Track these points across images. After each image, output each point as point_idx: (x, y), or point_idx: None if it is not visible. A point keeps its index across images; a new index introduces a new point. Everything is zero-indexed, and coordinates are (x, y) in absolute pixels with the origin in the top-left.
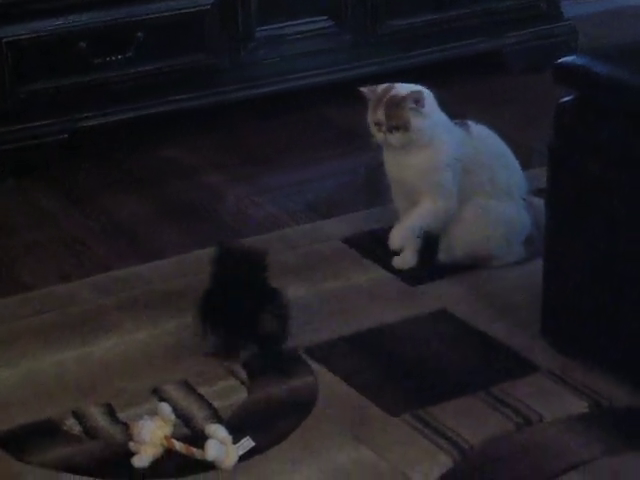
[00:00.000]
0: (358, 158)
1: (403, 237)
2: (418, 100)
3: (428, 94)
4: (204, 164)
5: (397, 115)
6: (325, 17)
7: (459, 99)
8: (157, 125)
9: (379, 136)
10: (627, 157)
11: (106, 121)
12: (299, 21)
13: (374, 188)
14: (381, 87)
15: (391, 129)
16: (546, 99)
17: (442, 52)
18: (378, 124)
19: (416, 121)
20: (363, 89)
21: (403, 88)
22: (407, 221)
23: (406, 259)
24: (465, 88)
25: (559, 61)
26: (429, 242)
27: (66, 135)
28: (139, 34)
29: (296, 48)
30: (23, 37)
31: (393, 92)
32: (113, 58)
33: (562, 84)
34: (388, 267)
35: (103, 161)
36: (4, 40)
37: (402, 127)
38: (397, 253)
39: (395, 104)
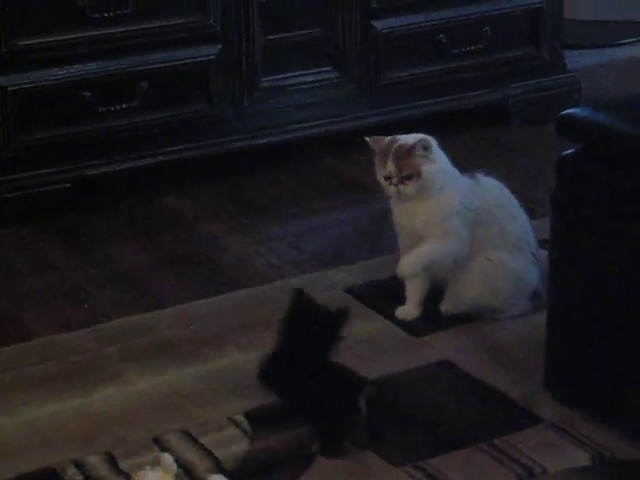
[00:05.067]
0: (361, 208)
1: (412, 266)
2: (427, 147)
3: (433, 141)
4: (207, 214)
5: (408, 164)
6: (329, 68)
7: (462, 150)
8: (160, 174)
9: (391, 190)
10: (630, 209)
11: (109, 170)
12: (303, 72)
13: (377, 238)
14: (385, 139)
15: (403, 180)
16: (549, 150)
17: (445, 103)
18: (389, 177)
19: (427, 167)
20: (368, 139)
21: (408, 138)
22: (417, 251)
23: (409, 310)
24: (468, 139)
25: (562, 113)
26: (432, 293)
27: (69, 184)
28: (143, 84)
29: (300, 98)
30: (27, 86)
31: (400, 142)
32: (117, 107)
33: (565, 136)
34: (391, 317)
35: (106, 210)
36: (8, 89)
37: (414, 175)
38: (401, 303)
39: (404, 153)
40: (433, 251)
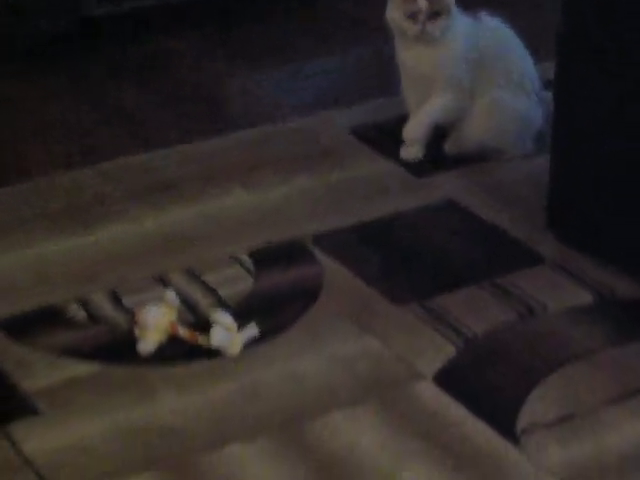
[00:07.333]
0: (367, 49)
1: (418, 130)
2: None
3: None
4: (209, 54)
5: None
6: None
7: None
8: (164, 15)
9: (414, 29)
10: (636, 41)
11: (110, 10)
12: None
13: (382, 79)
14: None
15: (431, 16)
16: None
17: None
18: (416, 13)
19: (454, 6)
20: None
21: None
22: (421, 114)
23: (413, 150)
24: None
25: None
26: (436, 134)
27: (73, 24)
28: None
29: None
30: None
31: None
32: None
33: None
34: (395, 158)
35: (108, 50)
36: None
37: (444, 12)
38: (405, 143)
39: None
40: (436, 111)
